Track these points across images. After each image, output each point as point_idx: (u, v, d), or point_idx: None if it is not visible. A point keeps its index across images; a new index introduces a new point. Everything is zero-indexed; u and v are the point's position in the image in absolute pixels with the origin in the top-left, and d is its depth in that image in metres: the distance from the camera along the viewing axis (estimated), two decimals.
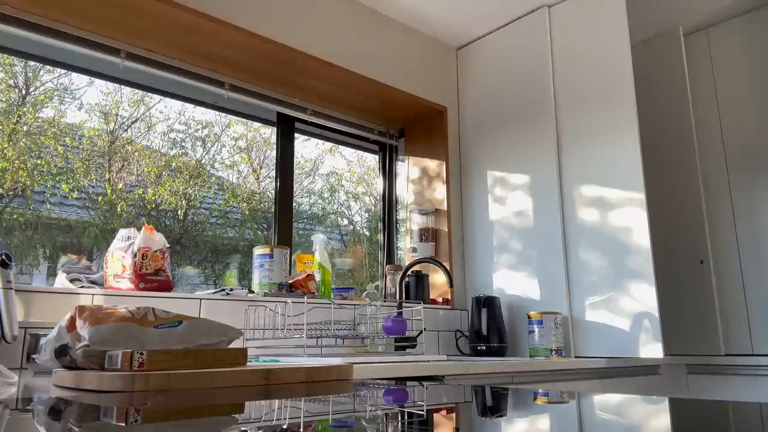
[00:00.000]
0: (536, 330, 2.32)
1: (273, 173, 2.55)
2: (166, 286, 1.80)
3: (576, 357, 2.36)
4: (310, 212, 2.85)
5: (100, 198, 2.14)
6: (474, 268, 2.76)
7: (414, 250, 2.71)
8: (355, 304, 2.25)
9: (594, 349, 2.34)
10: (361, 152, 3.00)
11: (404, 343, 2.20)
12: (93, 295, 1.67)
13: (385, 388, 0.89)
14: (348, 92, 2.58)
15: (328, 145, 2.88)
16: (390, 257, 2.86)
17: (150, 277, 1.76)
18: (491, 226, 2.73)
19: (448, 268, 2.53)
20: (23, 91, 2.06)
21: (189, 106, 2.40)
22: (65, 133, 2.13)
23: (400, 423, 0.56)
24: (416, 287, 2.56)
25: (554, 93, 2.59)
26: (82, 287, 1.70)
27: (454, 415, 0.64)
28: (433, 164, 2.84)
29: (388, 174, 2.96)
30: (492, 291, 2.66)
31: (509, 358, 2.19)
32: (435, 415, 0.63)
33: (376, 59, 2.60)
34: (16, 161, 1.96)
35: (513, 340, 2.56)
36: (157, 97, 2.31)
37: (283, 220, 2.46)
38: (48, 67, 2.07)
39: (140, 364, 0.77)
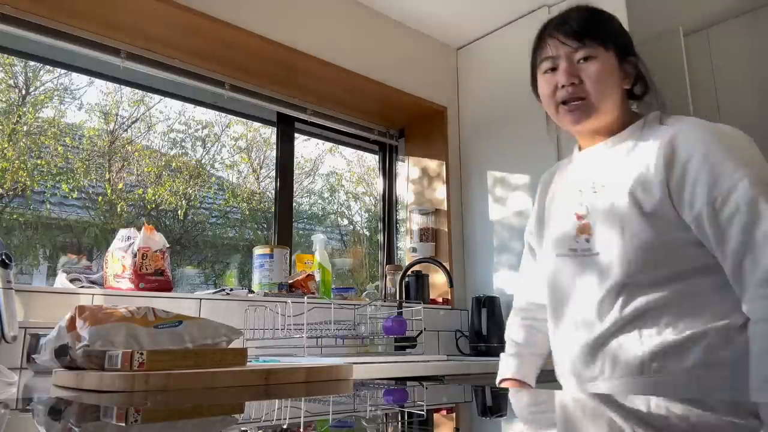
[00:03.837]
0: None
1: (273, 173, 2.55)
2: (166, 286, 1.80)
3: None
4: (310, 212, 2.85)
5: (100, 198, 2.14)
6: (474, 268, 2.76)
7: (414, 250, 2.71)
8: (355, 304, 2.25)
9: None
10: (361, 152, 3.00)
11: (404, 343, 2.20)
12: (93, 295, 1.67)
13: (385, 388, 0.89)
14: (348, 92, 2.58)
15: (328, 145, 2.88)
16: (390, 257, 2.86)
17: (150, 277, 1.76)
18: (491, 226, 2.73)
19: (448, 268, 2.53)
20: (23, 91, 2.06)
21: (189, 106, 2.40)
22: (65, 133, 2.13)
23: (400, 423, 0.56)
24: (416, 287, 2.56)
25: None
26: (82, 287, 1.70)
27: (454, 415, 0.64)
28: (433, 164, 2.84)
29: (388, 174, 2.96)
30: (492, 291, 2.66)
31: None
32: (435, 415, 0.63)
33: (376, 59, 2.60)
34: (16, 161, 1.96)
35: None
36: (157, 97, 2.31)
37: (283, 220, 2.46)
38: (48, 67, 2.07)
39: (140, 364, 0.77)
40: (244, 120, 2.58)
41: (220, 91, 2.30)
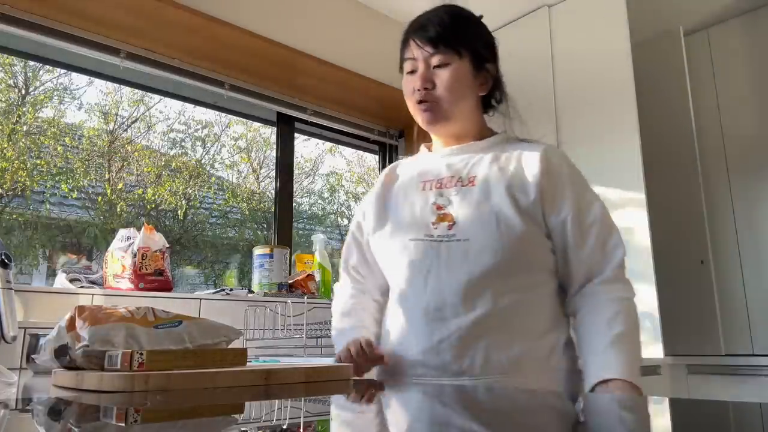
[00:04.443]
0: None
1: (273, 173, 2.55)
2: (166, 286, 1.79)
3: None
4: (310, 212, 2.85)
5: (99, 198, 2.14)
6: None
7: None
8: None
9: None
10: (361, 152, 3.00)
11: None
12: (93, 295, 1.67)
13: (384, 388, 0.89)
14: (348, 92, 2.58)
15: (328, 145, 2.88)
16: None
17: (150, 277, 1.76)
18: None
19: None
20: (23, 91, 2.06)
21: (189, 106, 2.39)
22: (65, 133, 2.13)
23: (399, 423, 0.56)
24: None
25: (554, 93, 2.59)
26: (81, 287, 1.70)
27: (454, 414, 0.64)
28: None
29: None
30: None
31: None
32: (434, 415, 0.63)
33: (376, 59, 2.60)
34: (16, 161, 1.96)
35: None
36: (157, 97, 2.31)
37: (283, 220, 2.46)
38: (48, 67, 2.07)
39: (140, 364, 0.77)
40: (244, 120, 2.57)
41: (220, 91, 2.30)
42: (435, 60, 1.12)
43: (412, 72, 1.16)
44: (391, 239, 1.14)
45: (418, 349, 1.06)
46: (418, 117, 1.17)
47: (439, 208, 1.11)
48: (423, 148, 1.27)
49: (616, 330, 1.01)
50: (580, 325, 1.07)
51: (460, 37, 1.13)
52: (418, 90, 1.13)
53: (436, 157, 1.21)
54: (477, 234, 1.05)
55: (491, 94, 1.21)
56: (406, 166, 1.27)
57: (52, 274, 1.92)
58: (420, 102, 1.14)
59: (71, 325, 0.89)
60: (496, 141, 1.18)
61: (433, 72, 1.13)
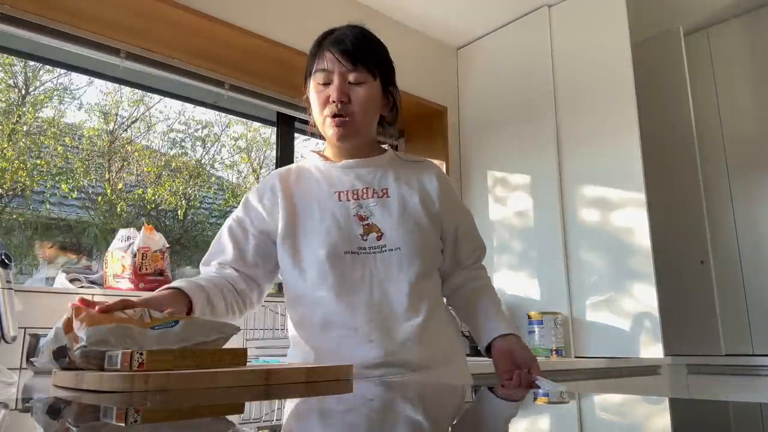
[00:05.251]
0: (536, 330, 2.32)
1: None
2: None
3: (576, 357, 2.36)
4: None
5: (99, 198, 2.14)
6: None
7: None
8: None
9: (594, 349, 2.34)
10: None
11: None
12: (93, 295, 1.67)
13: (384, 389, 0.89)
14: None
15: None
16: None
17: (150, 277, 1.76)
18: (491, 226, 2.73)
19: None
20: (23, 91, 2.07)
21: (189, 106, 2.39)
22: (65, 133, 2.13)
23: (399, 423, 0.56)
24: None
25: (554, 93, 2.59)
26: (81, 287, 1.70)
27: (454, 415, 0.64)
28: None
29: None
30: None
31: None
32: (435, 415, 0.63)
33: None
34: (16, 161, 1.96)
35: None
36: (157, 97, 2.31)
37: None
38: (48, 67, 2.07)
39: (140, 364, 0.77)
40: (244, 120, 2.57)
41: (220, 91, 2.30)
42: (351, 77, 1.17)
43: (325, 84, 1.18)
44: (321, 250, 1.14)
45: (380, 353, 1.10)
46: (330, 130, 1.19)
47: (362, 218, 1.18)
48: (315, 155, 1.27)
49: (495, 301, 1.28)
50: (469, 299, 1.28)
51: (375, 59, 1.22)
52: (334, 102, 1.16)
53: (337, 167, 1.23)
54: (405, 243, 1.16)
55: (390, 112, 1.32)
56: (305, 173, 1.26)
57: (52, 274, 1.92)
58: (334, 116, 1.17)
59: (68, 326, 0.89)
60: (389, 157, 1.29)
61: (349, 87, 1.17)
